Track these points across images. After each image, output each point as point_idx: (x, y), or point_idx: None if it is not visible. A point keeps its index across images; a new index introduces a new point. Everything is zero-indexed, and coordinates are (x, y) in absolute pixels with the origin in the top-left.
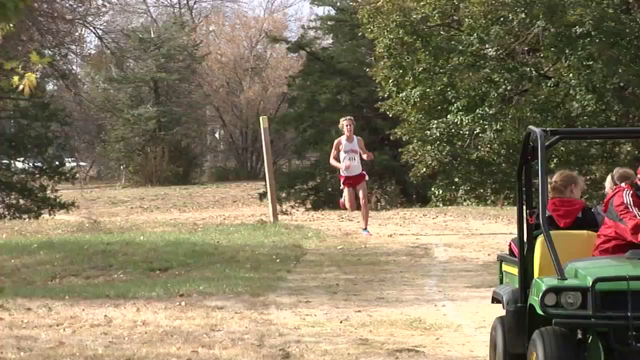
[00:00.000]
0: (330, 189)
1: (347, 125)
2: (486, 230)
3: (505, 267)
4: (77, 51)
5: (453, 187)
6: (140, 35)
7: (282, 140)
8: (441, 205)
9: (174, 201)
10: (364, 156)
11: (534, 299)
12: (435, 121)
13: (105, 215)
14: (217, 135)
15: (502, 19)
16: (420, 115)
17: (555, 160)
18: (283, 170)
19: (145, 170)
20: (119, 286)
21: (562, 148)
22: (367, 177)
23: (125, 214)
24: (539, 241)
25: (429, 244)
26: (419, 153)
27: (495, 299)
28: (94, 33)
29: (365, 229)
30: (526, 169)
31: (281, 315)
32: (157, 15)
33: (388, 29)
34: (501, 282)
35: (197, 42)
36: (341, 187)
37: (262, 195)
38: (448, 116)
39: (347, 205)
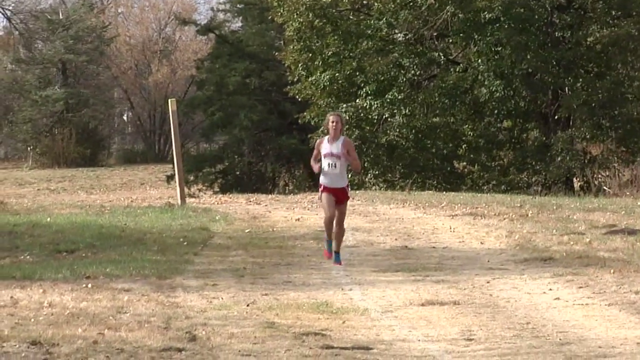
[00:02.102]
0: (238, 173)
1: (332, 122)
2: (393, 215)
3: None
4: None
5: (362, 171)
6: (49, 17)
7: (191, 123)
8: (349, 189)
9: (81, 183)
10: (350, 163)
11: None
12: (344, 105)
13: (11, 197)
14: (125, 117)
15: (411, 3)
16: (330, 99)
17: (464, 146)
18: (191, 153)
19: (52, 152)
20: (25, 268)
21: (471, 131)
22: (349, 196)
23: (32, 196)
24: None
25: None
26: None
27: None
28: (2, 14)
29: (337, 252)
30: None
31: (188, 298)
32: None
33: (298, 13)
34: None
35: (106, 24)
36: (318, 198)
37: (170, 178)
38: (357, 100)
39: (326, 210)
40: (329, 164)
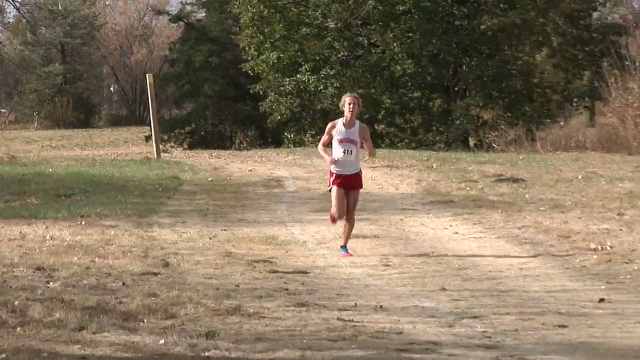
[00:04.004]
0: (203, 133)
1: (349, 104)
2: (327, 167)
3: None
4: (0, 20)
5: (302, 132)
6: (50, 8)
7: (165, 93)
8: (292, 146)
9: (77, 141)
10: (366, 148)
11: None
12: (288, 79)
13: (21, 152)
14: (112, 89)
15: None
16: (277, 75)
17: (383, 112)
18: (165, 118)
19: (54, 116)
20: (31, 209)
21: (389, 100)
22: (363, 185)
23: (38, 151)
24: None
25: (281, 177)
26: (275, 104)
27: None
28: (13, 5)
29: (344, 246)
30: None
31: (162, 233)
32: None
33: (251, 5)
34: None
35: (96, 14)
36: (328, 187)
37: (148, 138)
38: (298, 75)
39: (335, 210)
40: (345, 151)
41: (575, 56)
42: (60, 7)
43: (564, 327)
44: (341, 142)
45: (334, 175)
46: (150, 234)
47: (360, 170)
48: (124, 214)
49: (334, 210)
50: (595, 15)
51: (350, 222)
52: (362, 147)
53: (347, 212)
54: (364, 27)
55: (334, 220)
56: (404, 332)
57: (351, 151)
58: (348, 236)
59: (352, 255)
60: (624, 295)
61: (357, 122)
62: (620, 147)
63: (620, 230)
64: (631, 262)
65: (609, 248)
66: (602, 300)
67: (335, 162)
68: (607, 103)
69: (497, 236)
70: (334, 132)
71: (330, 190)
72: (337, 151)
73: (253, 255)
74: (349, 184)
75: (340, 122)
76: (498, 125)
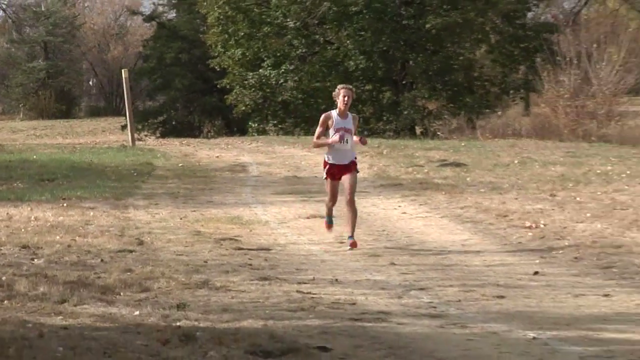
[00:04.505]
0: (173, 123)
1: (344, 97)
2: (287, 153)
3: None
4: None
5: (264, 121)
6: (34, 9)
7: (139, 86)
8: (255, 134)
9: (59, 130)
10: (356, 138)
11: None
12: (251, 73)
13: (7, 141)
14: (90, 82)
15: (298, 0)
16: (241, 69)
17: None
18: (139, 108)
19: (37, 107)
20: (17, 192)
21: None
22: (358, 169)
23: (23, 140)
24: None
25: (245, 162)
26: (240, 97)
27: None
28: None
29: (351, 235)
30: None
31: (137, 213)
32: None
33: (217, 5)
34: None
35: (76, 14)
36: (324, 177)
37: (124, 127)
38: (260, 70)
39: (328, 199)
40: (342, 140)
41: (511, 52)
42: (43, 8)
43: (502, 297)
44: (338, 131)
45: (328, 166)
46: (125, 214)
47: (355, 158)
48: (102, 196)
49: (328, 197)
50: (529, 14)
51: (352, 211)
52: None
53: (347, 198)
54: (320, 26)
55: (329, 227)
56: (357, 302)
57: (347, 140)
58: (353, 224)
59: (356, 246)
60: (556, 268)
61: (349, 113)
62: (552, 134)
63: (553, 209)
64: (562, 238)
65: (542, 226)
66: (536, 273)
67: (339, 142)
68: (540, 94)
69: (441, 215)
70: (329, 123)
71: (326, 178)
72: (334, 137)
73: (220, 233)
74: (343, 171)
75: (334, 113)
76: (442, 114)
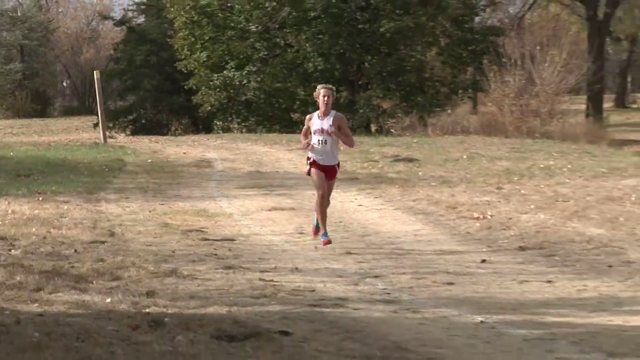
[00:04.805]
0: (143, 121)
1: (323, 97)
2: (250, 150)
3: None
4: None
5: (228, 120)
6: (10, 14)
7: (110, 87)
8: (220, 132)
9: (35, 129)
10: (340, 137)
11: None
12: (216, 75)
13: None
14: (64, 83)
15: (260, 5)
16: (206, 71)
17: (298, 102)
18: (110, 108)
19: (14, 107)
20: None
21: (302, 92)
22: (338, 173)
23: (0, 137)
24: None
25: (211, 158)
26: (205, 96)
27: None
28: None
29: (325, 233)
30: None
31: (109, 207)
32: (22, 0)
33: (184, 10)
34: None
35: (50, 19)
36: (306, 169)
37: (96, 125)
38: (225, 72)
39: (317, 187)
40: (319, 141)
41: (460, 54)
42: (19, 13)
43: (452, 284)
44: (315, 132)
45: (311, 161)
46: (98, 208)
47: (338, 164)
48: (75, 190)
49: (316, 186)
50: (477, 19)
51: (327, 203)
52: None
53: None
54: (281, 30)
55: (316, 233)
56: (316, 289)
57: (325, 141)
58: (324, 220)
59: (330, 243)
60: (502, 256)
61: (333, 112)
62: (498, 131)
63: (499, 201)
64: (508, 229)
65: (489, 217)
66: (483, 261)
67: (309, 147)
68: (487, 94)
69: (394, 207)
70: (310, 124)
71: (309, 173)
72: (314, 141)
73: (187, 225)
74: (325, 173)
75: (315, 114)
76: (395, 113)
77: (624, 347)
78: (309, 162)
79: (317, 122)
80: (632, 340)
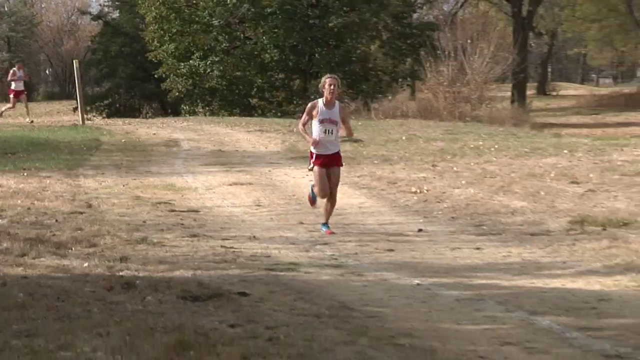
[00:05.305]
0: (117, 105)
1: (329, 85)
2: (213, 131)
3: None
4: None
5: (194, 104)
6: None
7: (88, 75)
8: (187, 115)
9: (20, 112)
10: (342, 131)
11: None
12: (183, 64)
13: None
14: (47, 72)
15: (222, 2)
16: (174, 61)
17: (256, 89)
18: (88, 93)
19: (1, 93)
20: None
21: (260, 80)
22: (342, 162)
23: None
24: None
25: (178, 139)
26: (173, 84)
27: None
28: None
29: (326, 223)
30: None
31: (86, 182)
32: None
33: (154, 6)
34: None
35: (34, 14)
36: (309, 166)
37: (75, 109)
38: (190, 61)
39: (319, 189)
40: (326, 130)
41: (399, 47)
42: (6, 8)
43: (392, 250)
44: (322, 122)
45: (314, 156)
46: (76, 182)
47: (340, 150)
48: (57, 167)
49: (317, 189)
50: (415, 15)
51: (332, 201)
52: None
53: (330, 190)
54: (241, 24)
55: (312, 203)
56: (271, 255)
57: (331, 131)
58: (330, 213)
59: (334, 233)
60: (436, 226)
61: (337, 102)
62: (434, 115)
63: (434, 177)
64: (442, 202)
65: (425, 191)
66: (420, 230)
67: (317, 143)
68: (424, 82)
69: (341, 183)
70: (314, 112)
71: (311, 169)
72: (317, 131)
73: (156, 198)
74: (331, 162)
75: (320, 102)
76: (342, 99)
77: (544, 306)
78: (312, 159)
79: (323, 111)
80: (550, 300)
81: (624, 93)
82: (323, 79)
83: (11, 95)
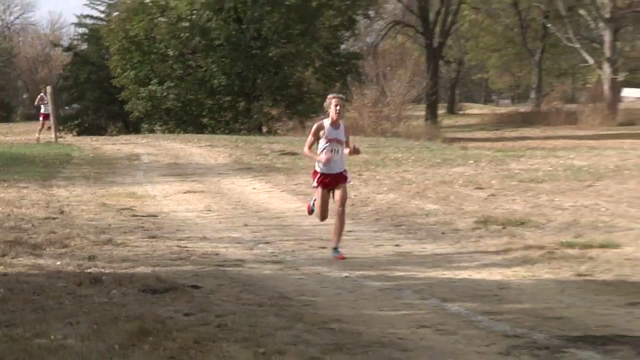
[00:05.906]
0: (86, 125)
1: (335, 106)
2: (170, 147)
3: None
4: None
5: (153, 123)
6: None
7: (60, 99)
8: (147, 133)
9: (1, 131)
10: (346, 151)
11: None
12: (143, 89)
13: None
14: (24, 96)
15: (176, 36)
16: (135, 86)
17: (207, 110)
18: (61, 114)
19: None
20: None
21: (210, 102)
22: (349, 179)
23: None
24: None
25: (139, 153)
26: (134, 106)
27: None
28: None
29: (336, 248)
30: None
31: (59, 191)
32: None
33: (117, 40)
34: None
35: (13, 47)
36: (313, 185)
37: (49, 128)
38: (149, 86)
39: (318, 213)
40: (332, 150)
41: (330, 73)
42: None
43: (324, 248)
44: (330, 141)
45: (319, 174)
46: (50, 191)
47: (346, 170)
48: (33, 178)
49: (317, 211)
50: (342, 46)
51: (341, 219)
52: None
53: (337, 208)
54: (193, 54)
55: (310, 212)
56: (220, 253)
57: (338, 150)
58: (339, 234)
59: (344, 258)
60: (362, 227)
61: (341, 122)
62: (360, 132)
63: (360, 185)
64: (366, 205)
65: (352, 196)
66: (348, 231)
67: (328, 160)
68: (350, 103)
69: (281, 190)
70: (320, 133)
71: (316, 187)
72: (325, 150)
73: (120, 205)
74: (335, 181)
75: (326, 123)
76: (281, 118)
77: (454, 294)
78: (316, 178)
79: (331, 131)
80: (459, 289)
81: (521, 112)
82: (328, 98)
83: (41, 118)
